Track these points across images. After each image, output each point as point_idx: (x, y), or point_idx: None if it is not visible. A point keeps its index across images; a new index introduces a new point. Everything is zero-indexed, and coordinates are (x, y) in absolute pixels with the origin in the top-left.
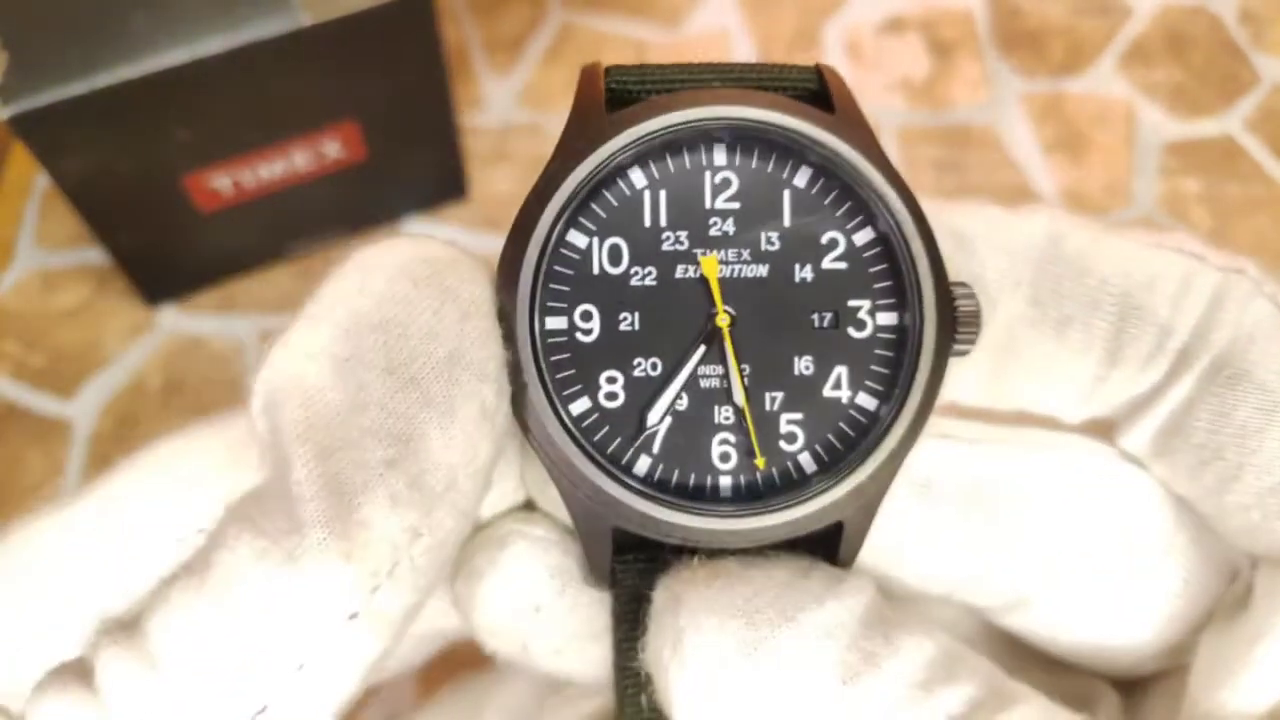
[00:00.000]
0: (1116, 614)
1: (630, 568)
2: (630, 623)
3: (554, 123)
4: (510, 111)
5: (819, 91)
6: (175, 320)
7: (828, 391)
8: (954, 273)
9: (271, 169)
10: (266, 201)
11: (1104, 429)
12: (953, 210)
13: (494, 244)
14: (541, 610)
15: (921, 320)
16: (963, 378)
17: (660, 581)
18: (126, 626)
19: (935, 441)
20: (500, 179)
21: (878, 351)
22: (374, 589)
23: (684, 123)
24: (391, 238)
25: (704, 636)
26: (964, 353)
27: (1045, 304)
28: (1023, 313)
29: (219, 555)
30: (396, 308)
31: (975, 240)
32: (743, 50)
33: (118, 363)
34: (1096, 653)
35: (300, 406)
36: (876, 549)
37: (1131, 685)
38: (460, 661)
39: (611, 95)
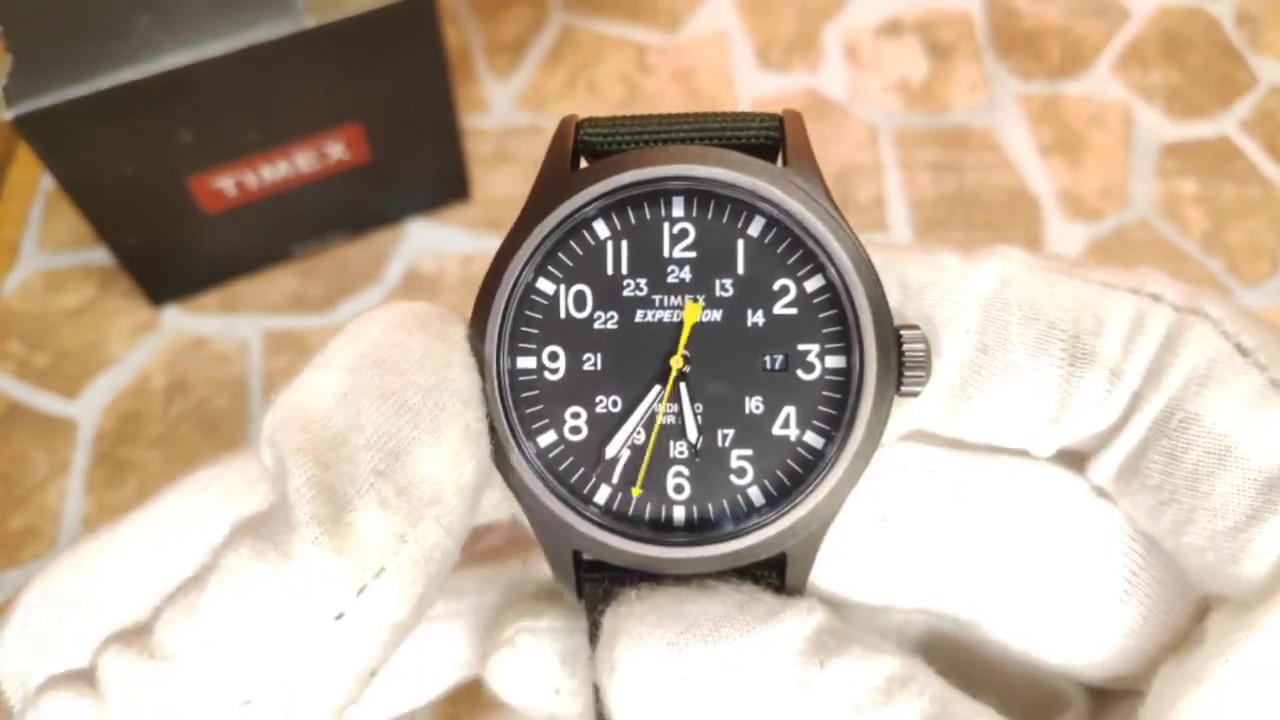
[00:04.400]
0: (1071, 643)
1: (597, 585)
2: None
3: (554, 124)
4: (511, 113)
5: (780, 140)
6: (179, 320)
7: (777, 430)
8: (903, 319)
9: (275, 170)
10: (270, 203)
11: (1079, 458)
12: (905, 259)
13: (494, 244)
14: (560, 691)
15: (863, 364)
16: (927, 414)
17: (608, 608)
18: (133, 632)
19: (895, 472)
20: (501, 180)
21: (825, 393)
22: (360, 589)
23: (639, 181)
24: (384, 304)
25: (634, 668)
26: (913, 394)
27: (993, 350)
28: (971, 358)
29: (222, 558)
30: (391, 349)
31: (922, 290)
32: (741, 52)
33: (121, 363)
34: (1054, 671)
35: (300, 430)
36: (837, 575)
37: (1100, 694)
38: (483, 703)
39: (584, 147)
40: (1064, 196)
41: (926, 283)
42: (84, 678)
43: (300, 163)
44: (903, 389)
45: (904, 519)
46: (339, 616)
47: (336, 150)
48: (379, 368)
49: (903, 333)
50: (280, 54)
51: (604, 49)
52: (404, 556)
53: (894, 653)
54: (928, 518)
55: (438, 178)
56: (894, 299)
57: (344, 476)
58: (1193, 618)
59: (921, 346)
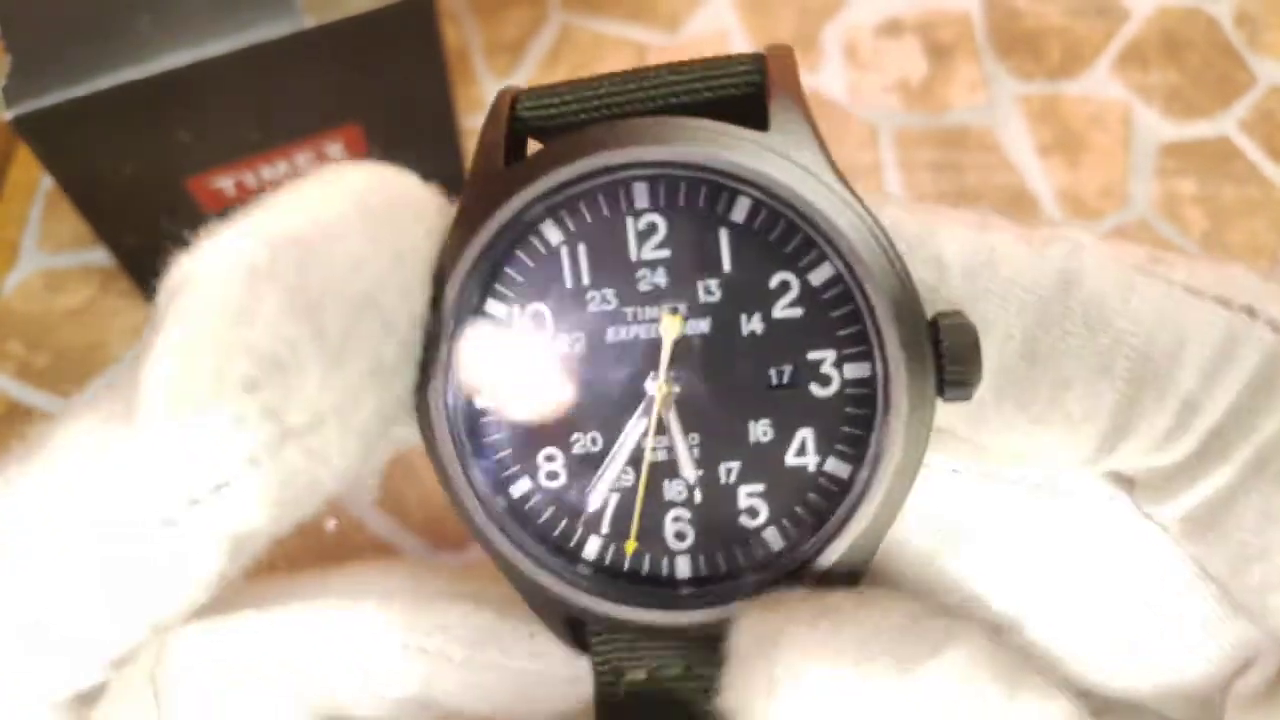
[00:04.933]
0: (1114, 661)
1: (609, 641)
2: (613, 708)
3: None
4: None
5: (764, 89)
6: None
7: (791, 458)
8: (939, 304)
9: (275, 171)
10: None
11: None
12: (947, 233)
13: None
14: None
15: (888, 370)
16: (943, 416)
17: (745, 606)
18: None
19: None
20: None
21: (848, 410)
22: (193, 502)
23: (584, 174)
24: (369, 162)
25: (806, 688)
26: (963, 397)
27: (1043, 361)
28: (1013, 368)
29: (54, 427)
30: (330, 228)
31: (964, 275)
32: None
33: (121, 363)
34: (1096, 684)
35: (189, 296)
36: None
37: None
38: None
39: (524, 127)
40: (1063, 196)
41: (970, 267)
42: None
43: (300, 163)
44: (947, 393)
45: (930, 520)
46: (168, 522)
47: (336, 150)
48: (306, 250)
49: (941, 322)
50: (280, 54)
51: (604, 49)
52: (253, 478)
53: (1056, 683)
54: (956, 520)
55: (437, 178)
56: (929, 278)
57: (209, 371)
58: (1240, 658)
59: (968, 337)
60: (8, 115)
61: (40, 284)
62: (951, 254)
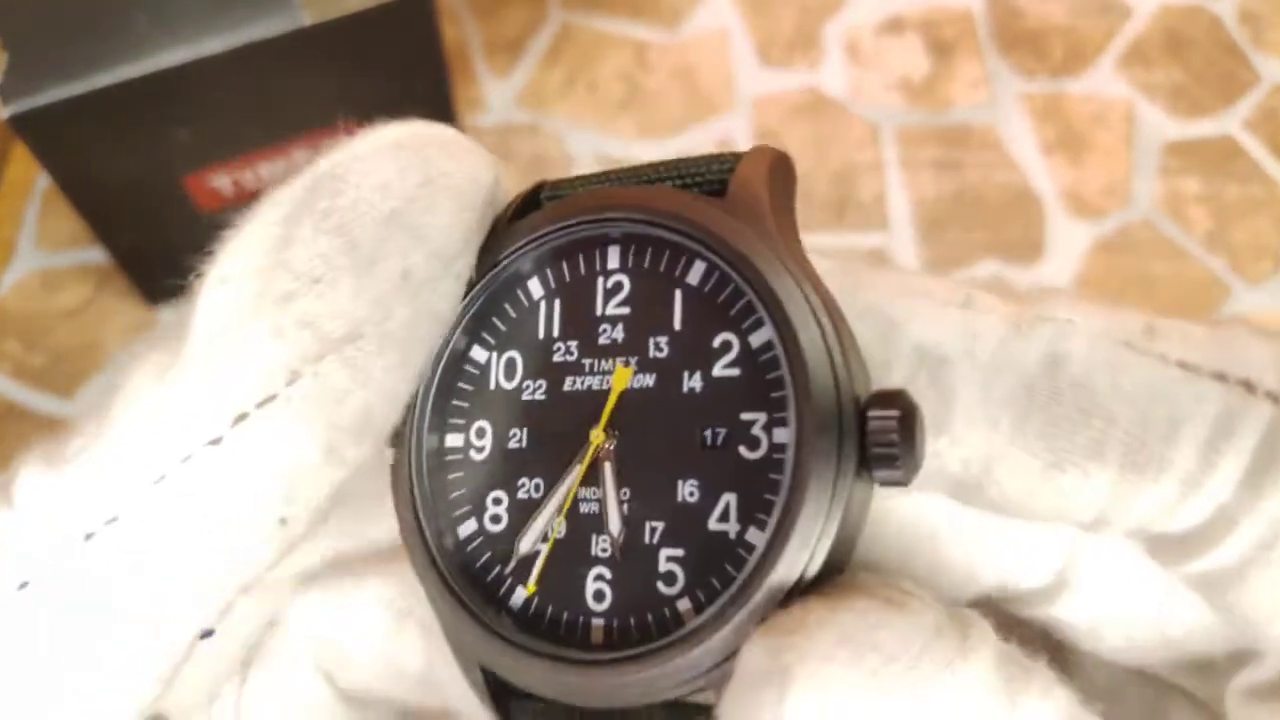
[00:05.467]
0: (1147, 601)
1: (526, 706)
2: None
3: (554, 123)
4: (510, 112)
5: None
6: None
7: (714, 523)
8: (911, 386)
9: (272, 169)
10: None
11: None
12: (926, 315)
13: None
14: None
15: (800, 437)
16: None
17: (762, 626)
18: (58, 446)
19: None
20: None
21: (771, 476)
22: (239, 417)
23: (560, 228)
24: (403, 124)
25: (816, 695)
26: (897, 480)
27: (1032, 447)
28: (999, 452)
29: (123, 378)
30: (365, 162)
31: (943, 362)
32: (742, 49)
33: (118, 362)
34: (1130, 645)
35: (238, 237)
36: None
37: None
38: None
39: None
40: (1066, 195)
41: (949, 354)
42: (4, 487)
43: (298, 161)
44: (875, 473)
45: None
46: (214, 441)
47: None
48: (341, 180)
49: (875, 400)
50: (278, 52)
51: (604, 47)
52: (296, 389)
53: (1060, 682)
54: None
55: None
56: (907, 365)
57: (249, 292)
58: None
59: (891, 425)
60: (5, 114)
61: (37, 283)
62: (931, 339)
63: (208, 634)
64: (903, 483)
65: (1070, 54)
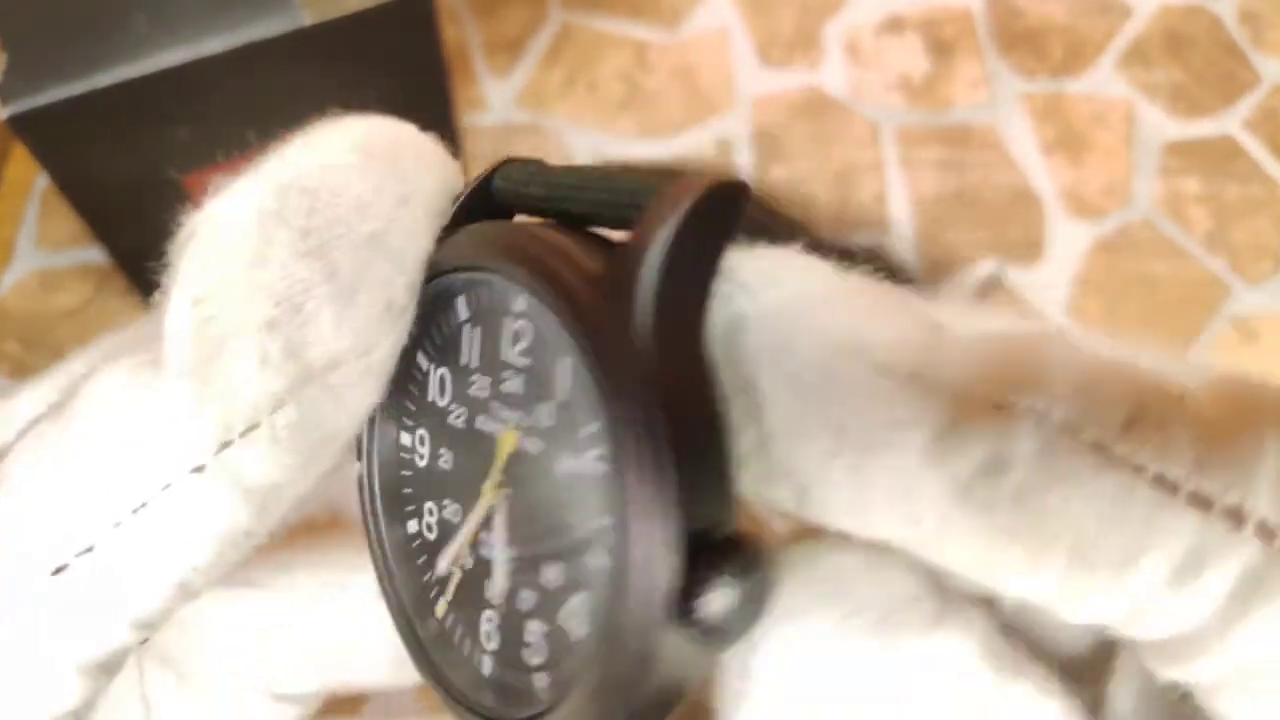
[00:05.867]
0: None
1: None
2: None
3: (553, 123)
4: (510, 112)
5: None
6: None
7: (562, 618)
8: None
9: None
10: None
11: None
12: (855, 399)
13: None
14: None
15: (620, 579)
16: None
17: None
18: None
19: None
20: None
21: (609, 591)
22: (224, 444)
23: (477, 262)
24: (372, 113)
25: (788, 648)
26: (717, 642)
27: (960, 551)
28: (928, 545)
29: (84, 386)
30: (337, 174)
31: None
32: (742, 49)
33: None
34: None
35: (204, 244)
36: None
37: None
38: None
39: (492, 196)
40: (1066, 195)
41: (873, 444)
42: None
43: None
44: (682, 624)
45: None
46: (198, 469)
47: None
48: (313, 195)
49: (699, 582)
50: (278, 52)
51: (604, 47)
52: (281, 418)
53: (1054, 677)
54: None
55: None
56: (827, 442)
57: (229, 314)
58: None
59: (717, 609)
60: (4, 114)
61: (36, 283)
62: (858, 422)
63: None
64: (718, 646)
65: (1070, 54)
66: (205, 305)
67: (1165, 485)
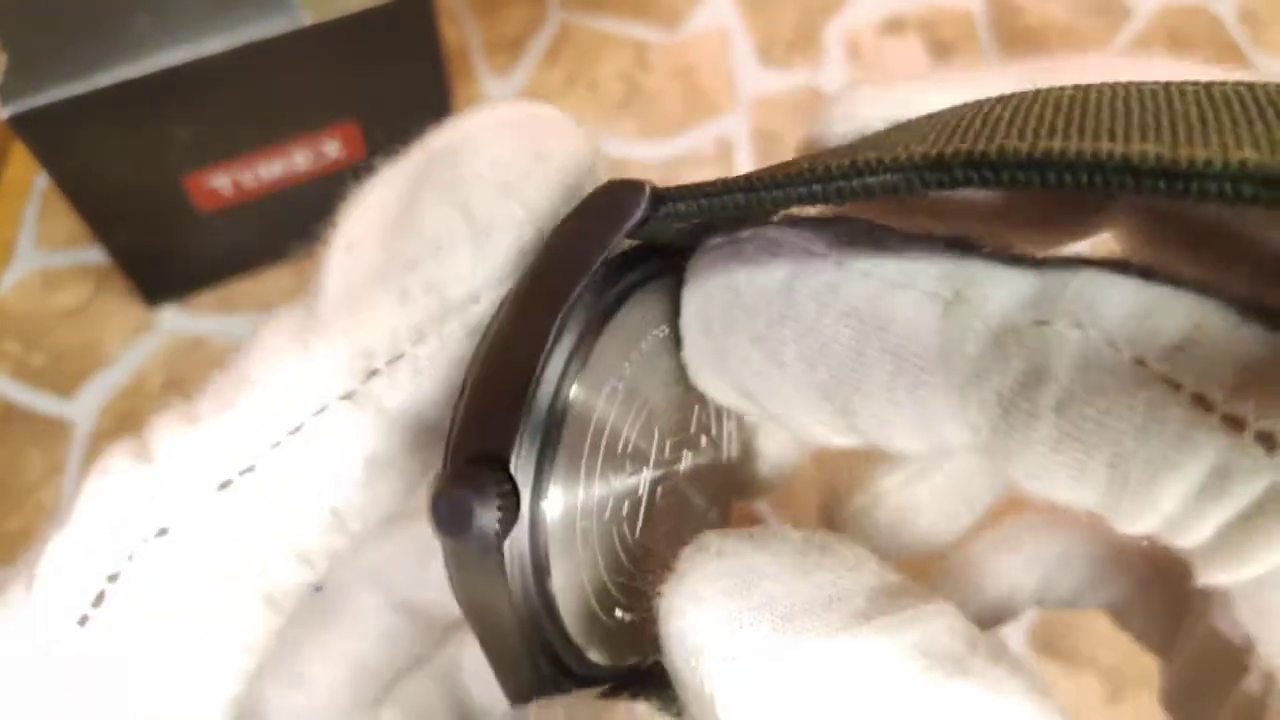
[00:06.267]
0: None
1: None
2: None
3: None
4: None
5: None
6: (175, 320)
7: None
8: None
9: (271, 169)
10: (267, 201)
11: None
12: (904, 320)
13: None
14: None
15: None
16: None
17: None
18: (189, 402)
19: None
20: None
21: None
22: (370, 372)
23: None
24: (511, 101)
25: (688, 632)
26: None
27: (1011, 461)
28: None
29: (252, 338)
30: (479, 139)
31: None
32: (742, 50)
33: (118, 362)
34: None
35: (359, 202)
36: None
37: None
38: None
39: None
40: None
41: (926, 364)
42: (142, 444)
43: (297, 161)
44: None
45: None
46: (347, 395)
47: (334, 149)
48: (455, 154)
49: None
50: (278, 52)
51: (603, 47)
52: (423, 349)
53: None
54: None
55: None
56: (885, 370)
57: (375, 260)
58: None
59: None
60: (4, 114)
61: (36, 283)
62: (909, 347)
63: (319, 588)
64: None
65: (1070, 54)
66: (355, 250)
67: (1202, 404)
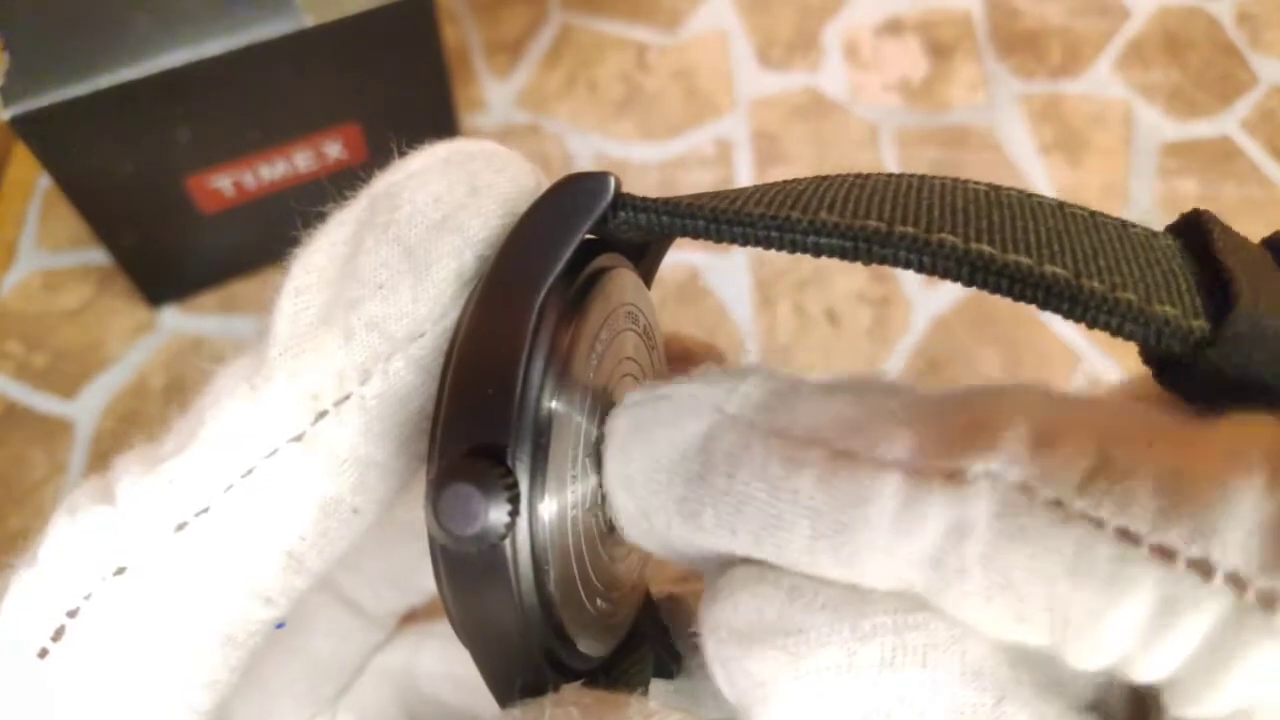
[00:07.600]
0: None
1: None
2: None
3: (554, 124)
4: (510, 113)
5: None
6: (177, 321)
7: None
8: None
9: (273, 170)
10: (268, 202)
11: None
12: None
13: None
14: None
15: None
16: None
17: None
18: (152, 448)
19: None
20: None
21: None
22: (319, 414)
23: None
24: (453, 142)
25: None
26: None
27: (956, 609)
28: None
29: (209, 382)
30: (418, 179)
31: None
32: (741, 51)
33: (120, 363)
34: None
35: (307, 248)
36: None
37: None
38: None
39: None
40: (1065, 195)
41: (847, 521)
42: (106, 485)
43: (299, 162)
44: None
45: None
46: (297, 438)
47: (334, 150)
48: (395, 198)
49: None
50: (279, 53)
51: (603, 48)
52: (369, 389)
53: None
54: None
55: None
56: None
57: (320, 304)
58: None
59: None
60: (6, 115)
61: (38, 284)
62: (826, 508)
63: (280, 625)
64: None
65: (1068, 55)
66: (303, 295)
67: (1129, 538)
